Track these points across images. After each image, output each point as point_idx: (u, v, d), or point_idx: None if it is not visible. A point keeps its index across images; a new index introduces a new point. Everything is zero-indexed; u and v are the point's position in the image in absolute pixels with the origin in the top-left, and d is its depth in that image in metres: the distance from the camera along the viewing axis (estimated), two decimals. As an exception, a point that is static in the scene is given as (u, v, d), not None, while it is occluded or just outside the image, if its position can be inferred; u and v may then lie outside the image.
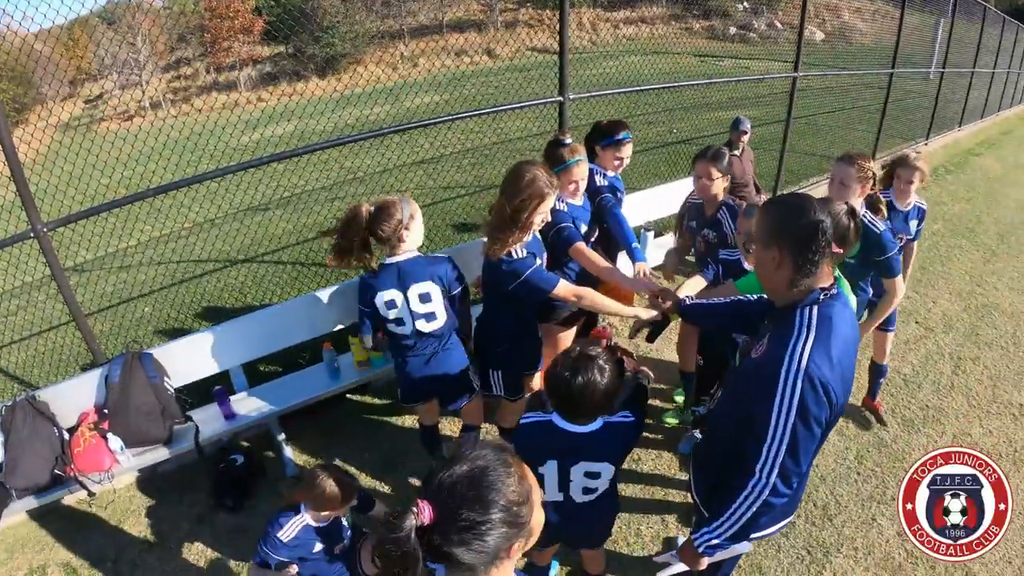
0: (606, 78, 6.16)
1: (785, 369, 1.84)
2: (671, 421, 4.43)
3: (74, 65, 23.09)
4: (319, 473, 2.69)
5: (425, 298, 3.03)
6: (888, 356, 4.46)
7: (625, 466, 3.27)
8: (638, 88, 5.92)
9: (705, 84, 7.04)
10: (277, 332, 4.00)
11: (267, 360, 4.29)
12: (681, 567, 2.21)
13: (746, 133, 6.02)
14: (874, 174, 3.42)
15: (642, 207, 5.83)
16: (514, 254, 2.92)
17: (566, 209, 3.37)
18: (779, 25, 32.06)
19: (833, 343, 1.85)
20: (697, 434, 4.11)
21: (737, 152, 5.96)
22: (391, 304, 3.02)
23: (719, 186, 3.75)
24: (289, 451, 4.01)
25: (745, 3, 34.55)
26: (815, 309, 1.90)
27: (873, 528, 3.58)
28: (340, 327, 4.23)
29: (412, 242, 3.03)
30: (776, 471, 1.89)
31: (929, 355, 5.47)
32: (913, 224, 4.23)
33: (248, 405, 3.85)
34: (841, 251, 2.04)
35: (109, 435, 3.47)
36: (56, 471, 3.39)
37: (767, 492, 1.91)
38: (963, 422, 4.59)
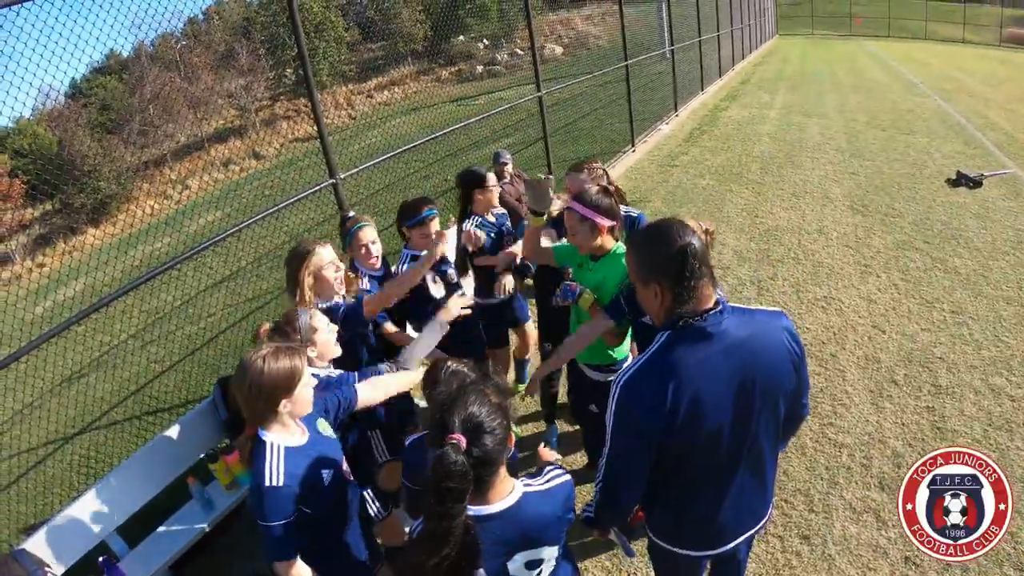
0: (373, 148, 6.33)
1: (615, 381, 1.89)
2: None
3: None
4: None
5: None
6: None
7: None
8: (398, 151, 6.23)
9: (461, 127, 7.46)
10: (138, 485, 3.86)
11: (143, 515, 4.03)
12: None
13: (507, 163, 6.50)
14: (604, 172, 3.68)
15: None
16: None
17: (365, 284, 3.54)
18: (520, 52, 34.25)
19: (664, 367, 1.81)
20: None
21: (506, 179, 6.38)
22: None
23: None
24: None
25: (484, 40, 36.63)
26: (666, 335, 1.86)
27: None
28: (200, 456, 4.13)
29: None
30: (601, 474, 2.00)
31: (733, 289, 6.16)
32: None
33: (136, 567, 3.66)
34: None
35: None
36: None
37: (599, 491, 2.06)
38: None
